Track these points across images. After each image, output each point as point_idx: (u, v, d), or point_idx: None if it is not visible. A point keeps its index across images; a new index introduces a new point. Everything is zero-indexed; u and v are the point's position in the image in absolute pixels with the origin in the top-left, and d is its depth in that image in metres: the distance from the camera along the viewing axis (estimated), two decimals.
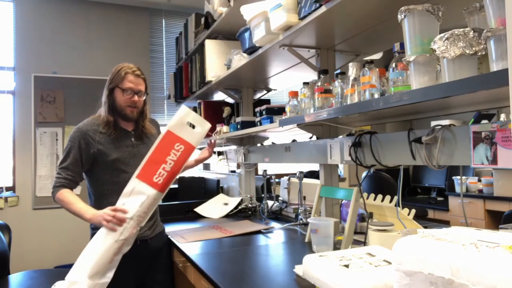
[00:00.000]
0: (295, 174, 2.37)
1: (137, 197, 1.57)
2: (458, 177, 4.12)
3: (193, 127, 1.67)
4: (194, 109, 3.29)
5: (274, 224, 2.28)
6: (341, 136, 1.79)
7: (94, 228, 1.81)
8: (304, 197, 2.24)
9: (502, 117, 3.30)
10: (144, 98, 1.84)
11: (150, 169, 1.57)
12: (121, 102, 1.78)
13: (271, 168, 3.35)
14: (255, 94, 2.97)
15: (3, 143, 3.87)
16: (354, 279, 1.01)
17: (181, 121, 1.63)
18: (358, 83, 1.32)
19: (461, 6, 1.04)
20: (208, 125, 1.69)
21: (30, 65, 3.91)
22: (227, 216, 2.62)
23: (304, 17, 1.55)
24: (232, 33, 2.39)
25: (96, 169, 1.79)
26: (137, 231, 1.61)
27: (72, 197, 1.71)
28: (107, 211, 1.57)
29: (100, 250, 1.52)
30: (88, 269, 1.48)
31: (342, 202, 1.90)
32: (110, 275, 1.55)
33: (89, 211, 1.65)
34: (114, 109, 1.80)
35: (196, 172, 4.17)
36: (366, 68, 1.27)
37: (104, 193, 1.76)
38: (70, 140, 1.77)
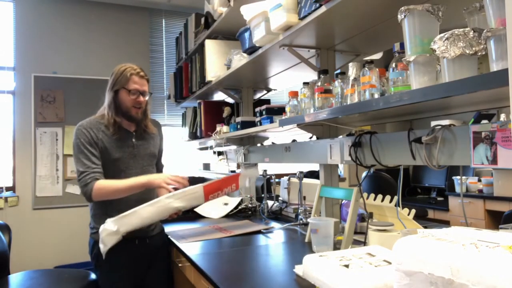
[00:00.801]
0: (295, 174, 2.37)
1: (192, 196, 1.80)
2: (458, 177, 4.12)
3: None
4: (194, 109, 3.29)
5: (274, 224, 2.28)
6: (341, 136, 1.79)
7: (93, 228, 1.82)
8: (304, 197, 2.24)
9: (502, 117, 3.30)
10: (147, 98, 1.85)
11: (214, 188, 1.88)
12: (127, 103, 1.79)
13: (271, 168, 3.34)
14: (255, 94, 2.97)
15: (3, 143, 3.87)
16: (354, 279, 1.01)
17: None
18: (358, 83, 1.32)
19: (461, 6, 1.04)
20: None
21: (30, 65, 3.91)
22: (227, 216, 2.62)
23: (304, 17, 1.55)
24: (232, 33, 2.39)
25: None
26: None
27: (112, 180, 1.73)
28: (168, 175, 1.76)
29: (150, 217, 1.68)
30: (131, 226, 1.65)
31: (342, 202, 1.90)
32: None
33: (141, 178, 1.75)
34: (120, 110, 1.81)
35: (196, 172, 4.17)
36: (366, 68, 1.27)
37: None
38: (78, 137, 1.75)
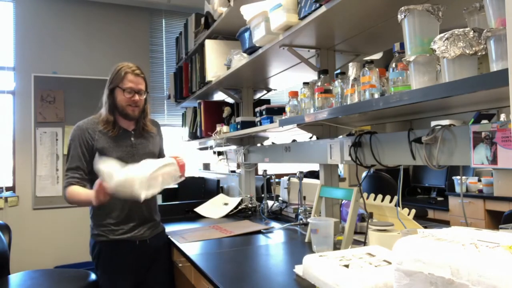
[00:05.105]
0: (295, 174, 2.37)
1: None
2: (458, 177, 4.12)
3: None
4: (194, 109, 3.29)
5: (274, 224, 2.28)
6: (341, 136, 1.79)
7: (93, 228, 1.81)
8: (304, 197, 2.24)
9: (502, 117, 3.30)
10: (144, 96, 1.84)
11: None
12: (122, 102, 1.79)
13: (271, 168, 3.34)
14: (255, 94, 2.97)
15: (3, 143, 3.87)
16: (354, 279, 1.01)
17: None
18: (358, 83, 1.32)
19: (461, 6, 1.04)
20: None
21: (30, 65, 3.91)
22: (227, 216, 2.62)
23: (304, 17, 1.55)
24: (232, 33, 2.39)
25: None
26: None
27: (78, 189, 1.70)
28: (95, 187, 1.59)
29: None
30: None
31: (342, 202, 1.90)
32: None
33: (91, 194, 1.63)
34: (115, 109, 1.81)
35: (196, 172, 4.17)
36: (366, 68, 1.27)
37: None
38: (71, 139, 1.79)
